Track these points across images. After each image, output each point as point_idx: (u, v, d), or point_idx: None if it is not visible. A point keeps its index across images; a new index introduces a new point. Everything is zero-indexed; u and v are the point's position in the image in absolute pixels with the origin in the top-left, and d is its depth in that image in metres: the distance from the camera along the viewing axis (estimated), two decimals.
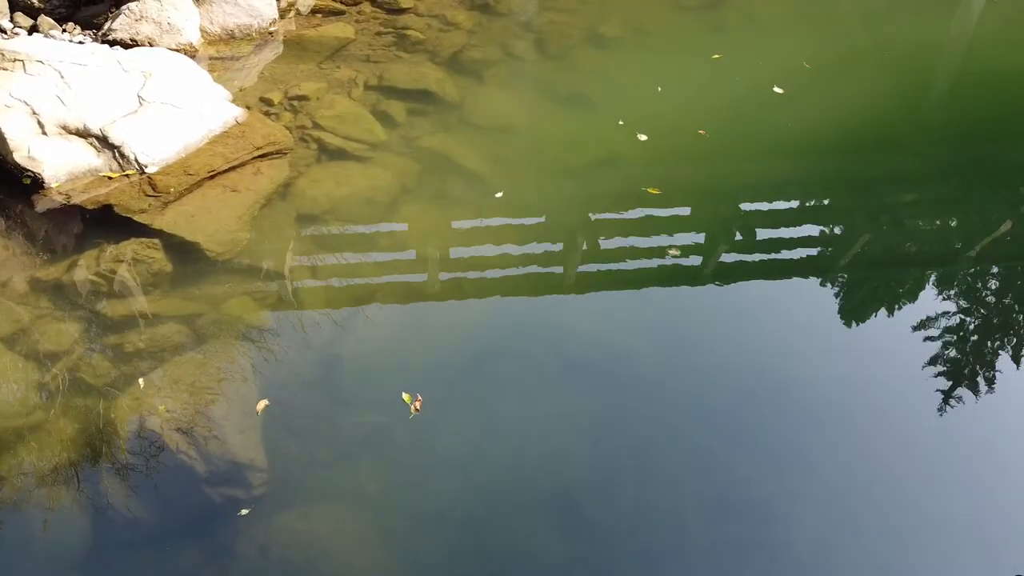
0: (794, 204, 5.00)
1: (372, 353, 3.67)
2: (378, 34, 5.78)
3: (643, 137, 4.96)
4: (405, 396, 3.39)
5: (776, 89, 5.47)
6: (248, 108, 4.66)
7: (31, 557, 2.90)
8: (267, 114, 4.82)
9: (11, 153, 3.98)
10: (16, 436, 3.29)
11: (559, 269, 4.34)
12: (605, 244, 4.44)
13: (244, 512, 2.99)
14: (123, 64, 4.39)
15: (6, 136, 3.98)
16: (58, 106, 4.10)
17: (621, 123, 5.07)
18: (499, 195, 4.49)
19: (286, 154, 4.46)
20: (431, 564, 3.00)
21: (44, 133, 4.06)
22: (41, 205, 4.08)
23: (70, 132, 4.11)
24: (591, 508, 3.13)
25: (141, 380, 3.41)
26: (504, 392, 3.58)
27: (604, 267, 4.42)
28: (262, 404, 3.32)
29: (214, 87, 4.60)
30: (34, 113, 4.06)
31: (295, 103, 4.98)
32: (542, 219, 4.54)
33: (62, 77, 4.20)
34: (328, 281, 4.03)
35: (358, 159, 4.65)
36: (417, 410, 3.34)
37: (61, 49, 4.36)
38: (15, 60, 4.20)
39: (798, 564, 3.09)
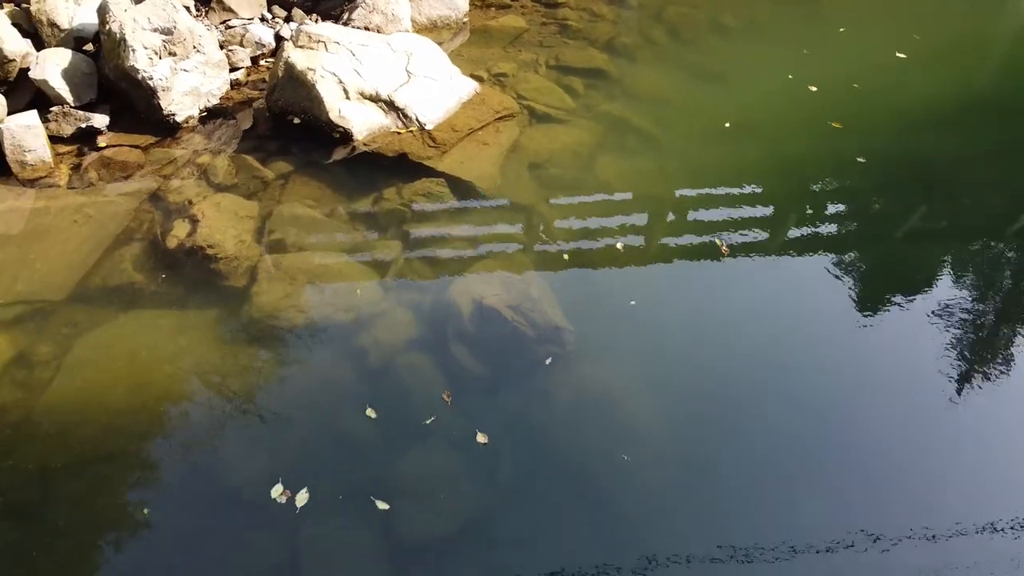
0: None
1: (612, 258, 5.05)
2: (543, 24, 7.14)
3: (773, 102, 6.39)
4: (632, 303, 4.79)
5: (854, 85, 6.87)
6: (479, 81, 6.01)
7: (407, 394, 4.18)
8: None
9: (326, 113, 5.33)
10: (371, 318, 4.61)
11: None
12: None
13: (548, 362, 4.31)
14: (391, 46, 5.73)
15: (323, 99, 5.32)
16: (356, 77, 5.44)
17: (744, 100, 6.47)
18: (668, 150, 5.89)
19: (514, 117, 5.83)
20: (693, 414, 4.26)
21: (348, 98, 5.40)
22: (350, 154, 5.43)
23: (365, 97, 5.45)
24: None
25: (458, 276, 4.78)
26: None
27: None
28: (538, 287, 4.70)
29: (452, 65, 5.94)
30: (340, 82, 5.40)
31: (499, 78, 6.34)
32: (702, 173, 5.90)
33: (353, 55, 5.53)
34: (559, 202, 5.38)
35: (559, 121, 6.02)
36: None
37: (347, 33, 5.68)
38: (319, 41, 5.52)
39: None
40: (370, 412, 3.88)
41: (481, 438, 3.77)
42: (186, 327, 4.44)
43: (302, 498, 3.48)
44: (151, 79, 5.27)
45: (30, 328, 4.41)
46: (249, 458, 3.73)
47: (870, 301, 4.89)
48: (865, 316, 4.79)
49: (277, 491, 3.48)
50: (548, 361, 4.26)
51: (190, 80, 5.46)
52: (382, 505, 3.49)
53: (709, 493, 3.74)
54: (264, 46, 6.26)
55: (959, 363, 4.52)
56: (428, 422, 3.87)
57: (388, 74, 5.56)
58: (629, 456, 3.77)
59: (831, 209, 5.69)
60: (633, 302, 4.66)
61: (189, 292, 4.60)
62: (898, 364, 4.54)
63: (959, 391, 4.34)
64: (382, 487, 3.60)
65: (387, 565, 3.40)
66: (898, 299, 4.97)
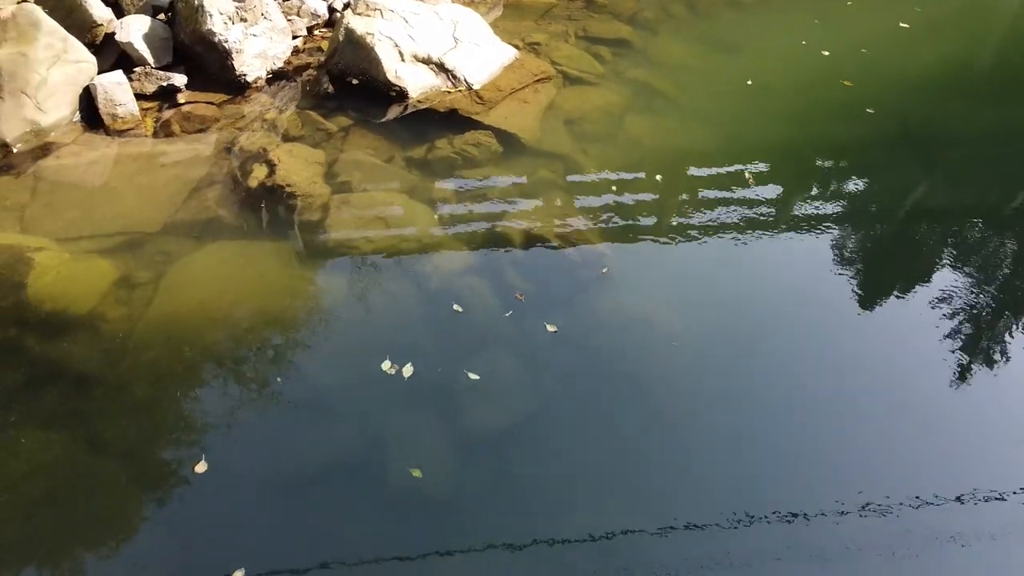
0: None
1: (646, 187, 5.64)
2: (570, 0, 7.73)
3: (781, 70, 6.97)
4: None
5: (862, 50, 7.46)
6: (516, 49, 6.60)
7: (485, 294, 4.81)
8: None
9: (384, 73, 5.91)
10: (437, 243, 5.18)
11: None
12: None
13: (599, 275, 4.92)
14: (439, 14, 6.31)
15: (381, 60, 5.90)
16: (409, 41, 6.03)
17: (757, 69, 7.05)
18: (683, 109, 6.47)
19: (550, 79, 6.42)
20: (720, 325, 4.87)
21: (403, 60, 5.99)
22: (403, 111, 6.01)
23: (418, 60, 6.03)
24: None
25: (507, 212, 5.35)
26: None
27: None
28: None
29: (493, 33, 6.52)
30: (396, 45, 5.98)
31: (533, 47, 6.92)
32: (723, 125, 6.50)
33: (406, 21, 6.12)
34: (593, 152, 5.96)
35: (590, 84, 6.60)
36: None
37: (400, 2, 6.27)
38: (375, 9, 6.10)
39: None
40: (456, 307, 4.53)
41: (551, 328, 4.44)
42: (269, 254, 5.02)
43: (408, 370, 4.12)
44: (226, 42, 5.85)
45: (129, 256, 4.98)
46: (355, 344, 4.37)
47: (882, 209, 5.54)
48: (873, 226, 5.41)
49: (386, 365, 4.12)
50: (599, 275, 4.87)
51: (259, 44, 6.04)
52: (473, 376, 4.12)
53: (741, 391, 4.33)
54: (319, 17, 6.84)
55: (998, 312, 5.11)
56: (507, 315, 4.54)
57: (437, 39, 6.14)
58: (677, 342, 4.46)
59: (844, 149, 6.36)
60: (663, 238, 5.24)
61: (269, 225, 5.18)
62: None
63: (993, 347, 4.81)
64: (474, 362, 4.23)
65: (483, 418, 4.04)
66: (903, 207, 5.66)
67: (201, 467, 3.73)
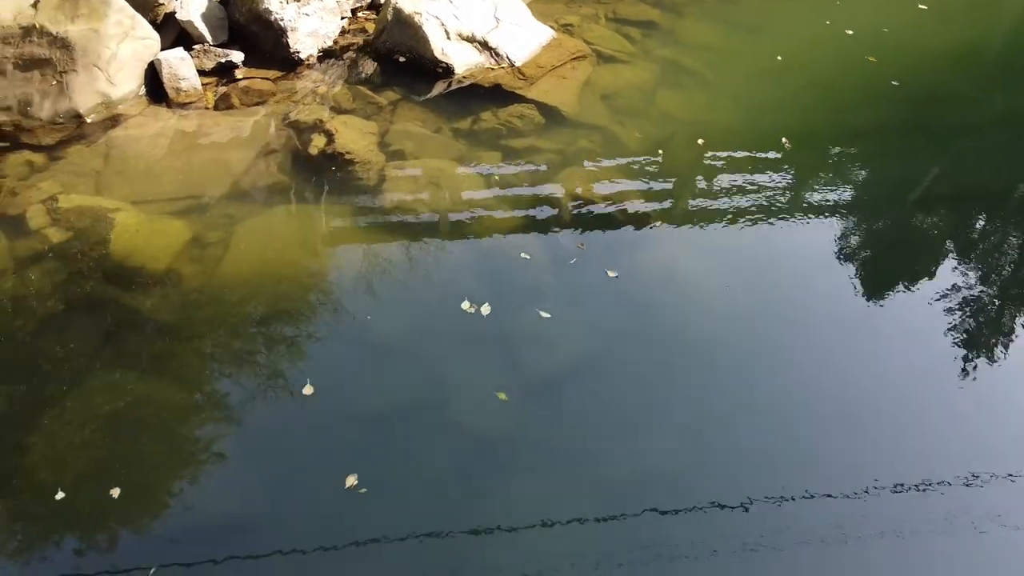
0: None
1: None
2: None
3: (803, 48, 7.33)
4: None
5: (884, 30, 7.81)
6: (554, 28, 6.93)
7: (548, 244, 5.15)
8: None
9: (431, 51, 6.24)
10: (493, 204, 5.50)
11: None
12: None
13: (650, 229, 5.28)
14: None
15: (429, 38, 6.23)
16: (455, 20, 6.36)
17: (781, 51, 7.40)
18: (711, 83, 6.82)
19: (586, 58, 6.75)
20: (759, 269, 5.26)
21: (448, 38, 6.32)
22: (448, 87, 6.35)
23: (463, 38, 6.37)
24: None
25: (554, 176, 5.69)
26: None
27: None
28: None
29: (530, 14, 6.86)
30: (442, 24, 6.31)
31: (567, 28, 7.26)
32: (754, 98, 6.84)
33: (451, 2, 6.45)
34: (626, 124, 6.30)
35: (622, 62, 6.93)
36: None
37: None
38: None
39: None
40: (524, 255, 4.91)
41: (612, 273, 4.88)
42: (330, 216, 5.36)
43: (486, 309, 4.53)
44: (282, 20, 6.18)
45: (198, 218, 5.31)
46: (431, 289, 4.77)
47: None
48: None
49: (466, 305, 4.52)
50: (649, 231, 5.30)
51: (311, 23, 6.37)
52: (545, 314, 4.53)
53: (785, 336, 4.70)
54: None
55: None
56: (571, 262, 4.96)
57: (480, 19, 6.47)
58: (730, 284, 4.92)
59: (875, 114, 6.77)
60: (707, 200, 5.63)
61: (329, 189, 5.51)
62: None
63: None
64: (544, 302, 4.65)
65: (555, 350, 4.43)
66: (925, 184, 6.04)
67: (308, 389, 4.12)
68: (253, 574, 3.45)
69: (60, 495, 3.65)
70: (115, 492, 3.65)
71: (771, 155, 6.06)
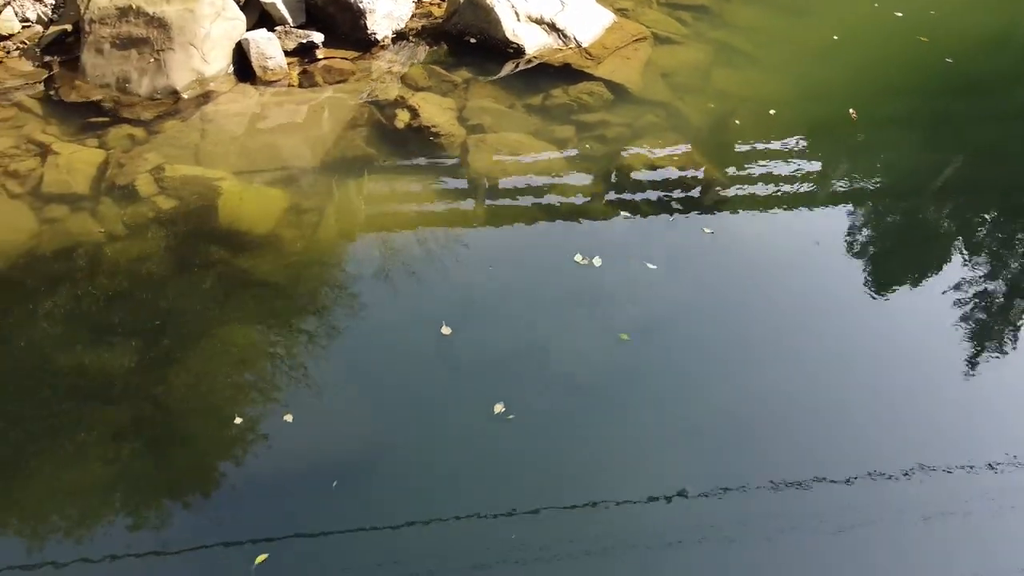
0: None
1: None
2: None
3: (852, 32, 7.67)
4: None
5: (931, 12, 8.14)
6: (614, 12, 7.26)
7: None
8: None
9: (503, 32, 6.56)
10: (584, 168, 5.87)
11: None
12: None
13: (716, 198, 5.64)
14: None
15: (500, 20, 6.55)
16: (523, 3, 6.69)
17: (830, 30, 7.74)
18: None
19: (646, 39, 7.07)
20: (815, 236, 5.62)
21: (518, 20, 6.64)
22: (517, 67, 6.67)
23: (532, 20, 6.69)
24: None
25: (624, 148, 6.02)
26: None
27: None
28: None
29: None
30: (512, 7, 6.63)
31: (623, 12, 7.58)
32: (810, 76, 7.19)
33: None
34: (686, 100, 6.62)
35: (677, 43, 7.26)
36: None
37: None
38: None
39: None
40: (624, 214, 5.38)
41: (707, 230, 5.37)
42: (417, 184, 5.69)
43: (597, 261, 5.01)
44: (360, 3, 6.50)
45: (293, 187, 5.63)
46: (538, 243, 5.23)
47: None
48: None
49: (579, 258, 4.97)
50: (724, 196, 5.76)
51: (386, 6, 6.69)
52: (651, 266, 5.00)
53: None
54: None
55: None
56: (670, 219, 5.48)
57: (547, 2, 6.79)
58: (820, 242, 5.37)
59: (934, 89, 7.17)
60: (765, 162, 6.02)
61: (415, 161, 5.83)
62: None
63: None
64: (651, 254, 5.13)
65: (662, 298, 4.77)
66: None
67: (446, 330, 4.52)
68: (416, 486, 3.88)
69: (238, 420, 4.03)
70: (288, 417, 4.03)
71: (835, 128, 6.45)
